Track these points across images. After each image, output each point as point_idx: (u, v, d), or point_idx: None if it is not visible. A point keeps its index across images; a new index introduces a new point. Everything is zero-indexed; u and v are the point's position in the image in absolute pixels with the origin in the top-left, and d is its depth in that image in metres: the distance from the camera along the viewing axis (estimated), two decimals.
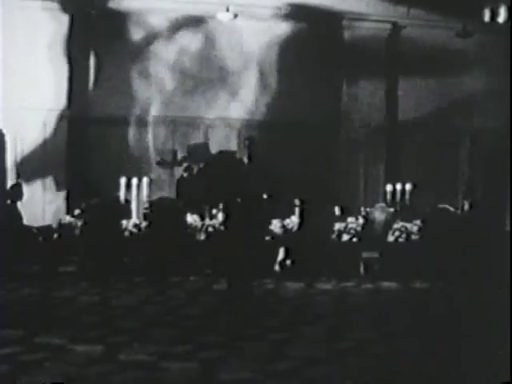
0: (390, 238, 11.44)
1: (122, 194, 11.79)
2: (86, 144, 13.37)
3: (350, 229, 11.41)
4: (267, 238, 10.46)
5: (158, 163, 13.32)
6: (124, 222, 11.15)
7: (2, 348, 5.86)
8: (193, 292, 9.40)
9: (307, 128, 13.71)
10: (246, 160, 7.57)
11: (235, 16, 12.98)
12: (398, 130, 14.17)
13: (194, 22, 13.57)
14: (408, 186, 12.42)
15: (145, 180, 11.84)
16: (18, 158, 12.88)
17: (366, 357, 6.01)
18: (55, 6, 12.87)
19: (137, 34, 13.45)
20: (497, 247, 9.64)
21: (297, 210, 10.98)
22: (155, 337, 6.57)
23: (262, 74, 13.85)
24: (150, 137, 13.47)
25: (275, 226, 10.91)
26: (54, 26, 12.91)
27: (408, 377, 5.45)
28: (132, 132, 13.46)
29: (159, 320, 7.44)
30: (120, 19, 13.36)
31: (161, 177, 13.07)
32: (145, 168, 13.05)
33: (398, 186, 12.46)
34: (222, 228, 10.54)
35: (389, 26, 13.99)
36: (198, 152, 13.17)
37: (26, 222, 10.98)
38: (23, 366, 5.38)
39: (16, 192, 10.96)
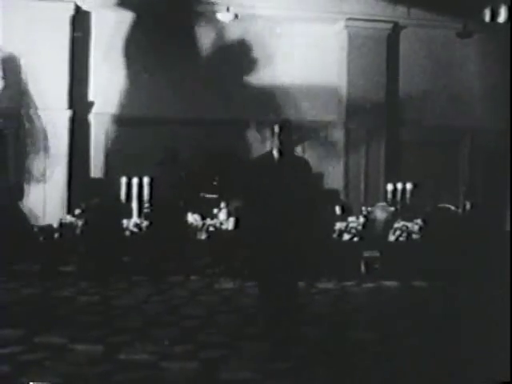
0: (391, 238, 11.44)
1: (122, 194, 11.80)
2: (88, 143, 13.38)
3: (351, 228, 11.42)
4: None
5: (159, 163, 13.30)
6: (125, 222, 11.16)
7: (1, 348, 5.86)
8: (194, 292, 9.41)
9: (308, 128, 13.71)
10: (276, 155, 6.29)
11: (236, 16, 12.99)
12: (398, 129, 14.16)
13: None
14: (409, 186, 12.43)
15: (146, 179, 11.84)
16: (19, 158, 12.88)
17: (366, 357, 6.01)
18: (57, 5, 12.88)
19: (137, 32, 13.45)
20: (497, 247, 9.64)
21: None
22: (155, 336, 6.57)
23: (263, 74, 13.85)
24: (151, 136, 13.45)
25: None
26: (56, 25, 12.92)
27: (408, 377, 5.46)
28: (133, 131, 13.45)
29: (160, 320, 7.45)
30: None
31: (162, 176, 13.05)
32: (146, 167, 13.04)
33: (399, 186, 12.47)
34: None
35: (389, 25, 13.99)
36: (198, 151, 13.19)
37: (26, 221, 10.98)
38: (23, 366, 5.39)
39: (16, 192, 10.95)
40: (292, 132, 6.28)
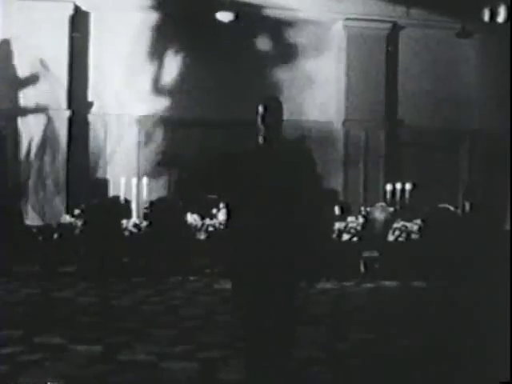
0: (390, 238, 11.45)
1: (122, 194, 11.79)
2: (87, 143, 13.39)
3: (351, 228, 11.42)
4: None
5: (159, 163, 13.31)
6: (124, 222, 11.15)
7: (2, 348, 5.85)
8: (193, 292, 9.41)
9: (308, 128, 13.72)
10: (261, 141, 4.92)
11: (237, 16, 12.97)
12: (398, 129, 14.16)
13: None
14: (408, 186, 12.43)
15: (144, 180, 11.84)
16: (18, 158, 12.87)
17: (366, 357, 6.00)
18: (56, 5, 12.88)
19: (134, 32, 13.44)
20: (497, 247, 9.63)
21: None
22: (155, 337, 6.56)
23: (263, 74, 13.85)
24: (150, 136, 13.46)
25: None
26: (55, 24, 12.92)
27: (408, 377, 5.45)
28: (133, 131, 13.46)
29: (159, 320, 7.44)
30: None
31: (161, 177, 13.06)
32: (145, 168, 13.05)
33: (398, 186, 12.46)
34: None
35: (389, 26, 14.00)
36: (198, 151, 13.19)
37: (26, 221, 10.97)
38: (23, 366, 5.38)
39: (16, 192, 10.94)
40: (280, 113, 5.03)
